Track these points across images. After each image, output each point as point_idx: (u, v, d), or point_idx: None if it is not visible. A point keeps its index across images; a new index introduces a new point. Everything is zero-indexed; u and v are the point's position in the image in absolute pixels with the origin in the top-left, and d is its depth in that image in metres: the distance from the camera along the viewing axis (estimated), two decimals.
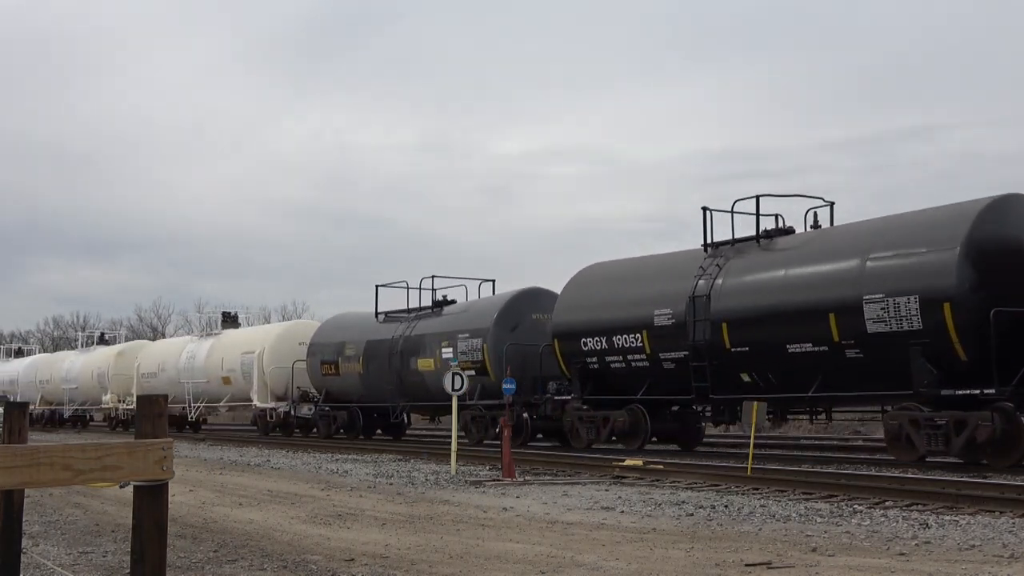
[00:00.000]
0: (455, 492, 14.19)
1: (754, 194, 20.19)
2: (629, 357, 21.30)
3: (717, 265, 19.89)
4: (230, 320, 41.13)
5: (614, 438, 21.72)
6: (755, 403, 15.77)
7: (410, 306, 29.11)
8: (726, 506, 11.78)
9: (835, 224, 19.72)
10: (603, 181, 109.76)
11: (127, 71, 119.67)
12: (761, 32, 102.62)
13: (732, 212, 20.39)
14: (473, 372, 24.46)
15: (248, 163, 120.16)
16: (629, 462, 16.67)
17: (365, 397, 29.92)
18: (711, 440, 26.27)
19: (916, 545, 8.70)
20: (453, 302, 28.27)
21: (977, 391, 15.53)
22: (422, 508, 12.28)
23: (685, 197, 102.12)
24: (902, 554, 8.26)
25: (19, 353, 64.06)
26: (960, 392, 15.69)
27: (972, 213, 16.17)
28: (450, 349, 24.89)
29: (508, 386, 21.02)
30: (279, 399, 33.49)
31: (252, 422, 36.74)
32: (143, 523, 3.85)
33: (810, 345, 17.67)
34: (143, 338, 65.59)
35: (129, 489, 3.92)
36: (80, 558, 8.89)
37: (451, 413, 18.76)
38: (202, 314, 43.22)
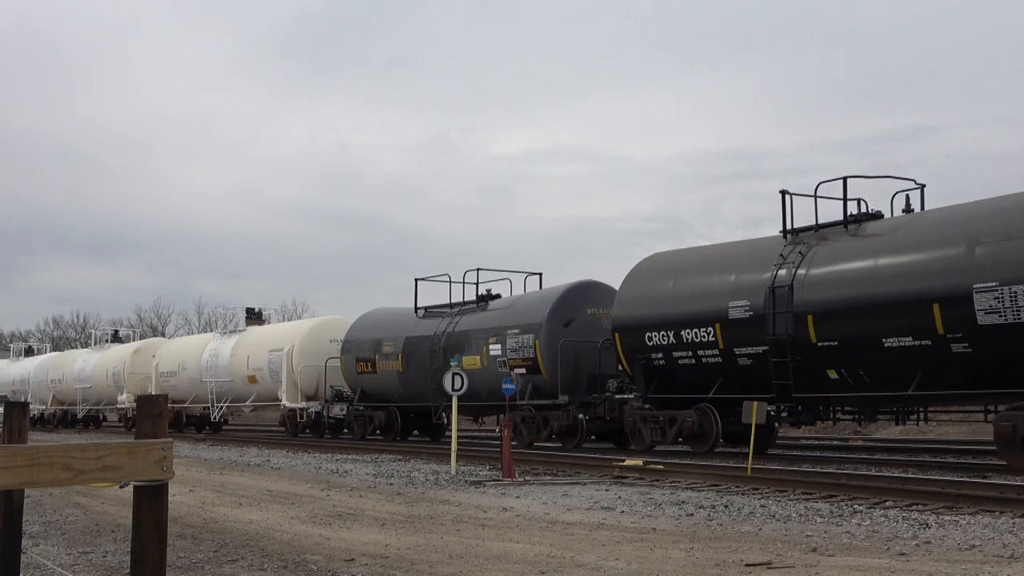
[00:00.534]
0: (455, 492, 14.18)
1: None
2: (699, 353, 19.84)
3: (799, 253, 18.39)
4: (254, 317, 39.43)
5: (680, 440, 20.37)
6: (755, 403, 15.77)
7: (452, 300, 27.69)
8: (726, 506, 11.78)
9: (926, 208, 18.32)
10: (603, 181, 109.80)
11: (128, 71, 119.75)
12: (761, 32, 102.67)
13: (816, 196, 18.82)
14: (524, 370, 23.65)
15: (248, 163, 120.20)
16: (629, 462, 16.67)
17: (404, 396, 28.47)
18: (784, 442, 24.38)
19: (916, 545, 8.70)
20: (498, 296, 26.86)
21: None
22: (422, 508, 12.28)
23: (685, 197, 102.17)
24: (902, 554, 8.26)
25: (29, 352, 62.62)
26: None
27: None
28: (498, 346, 24.20)
29: (508, 386, 21.02)
30: (309, 399, 32.09)
31: (280, 423, 35.33)
32: (143, 523, 3.85)
33: (910, 339, 16.26)
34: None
35: (129, 489, 3.92)
36: (80, 558, 8.89)
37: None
38: (225, 310, 41.78)
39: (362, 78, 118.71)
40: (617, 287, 23.20)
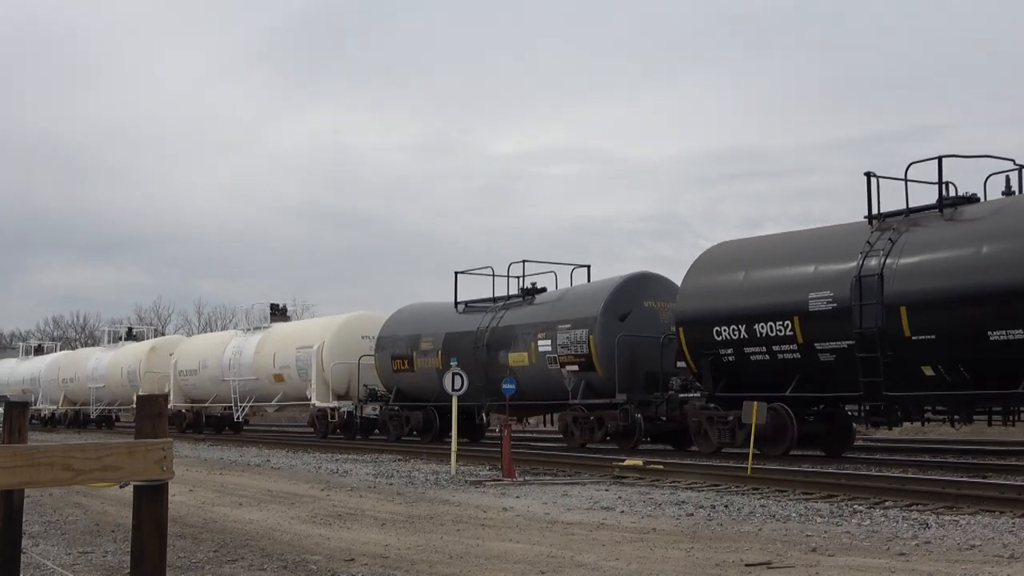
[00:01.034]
0: (455, 492, 14.18)
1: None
2: (775, 348, 18.50)
3: (889, 239, 17.16)
4: (279, 313, 37.72)
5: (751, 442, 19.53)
6: (755, 403, 15.77)
7: (495, 295, 26.44)
8: (726, 506, 11.78)
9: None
10: (603, 181, 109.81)
11: (127, 71, 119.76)
12: (761, 32, 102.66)
13: (906, 180, 17.58)
14: (576, 367, 22.47)
15: (248, 163, 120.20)
16: (629, 462, 16.66)
17: (444, 395, 27.45)
18: (864, 443, 22.99)
19: (916, 545, 8.70)
20: (543, 290, 25.63)
21: None
22: (422, 508, 12.28)
23: (684, 197, 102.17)
24: (902, 554, 8.26)
25: (39, 351, 60.58)
26: None
27: None
28: (548, 341, 23.08)
29: (508, 386, 20.99)
30: (340, 398, 30.67)
31: (309, 423, 33.90)
32: (143, 523, 3.85)
33: (1020, 332, 15.12)
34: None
35: (129, 489, 3.92)
36: (80, 558, 8.89)
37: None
38: (250, 308, 39.78)
39: (362, 78, 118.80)
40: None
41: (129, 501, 4.00)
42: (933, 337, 16.27)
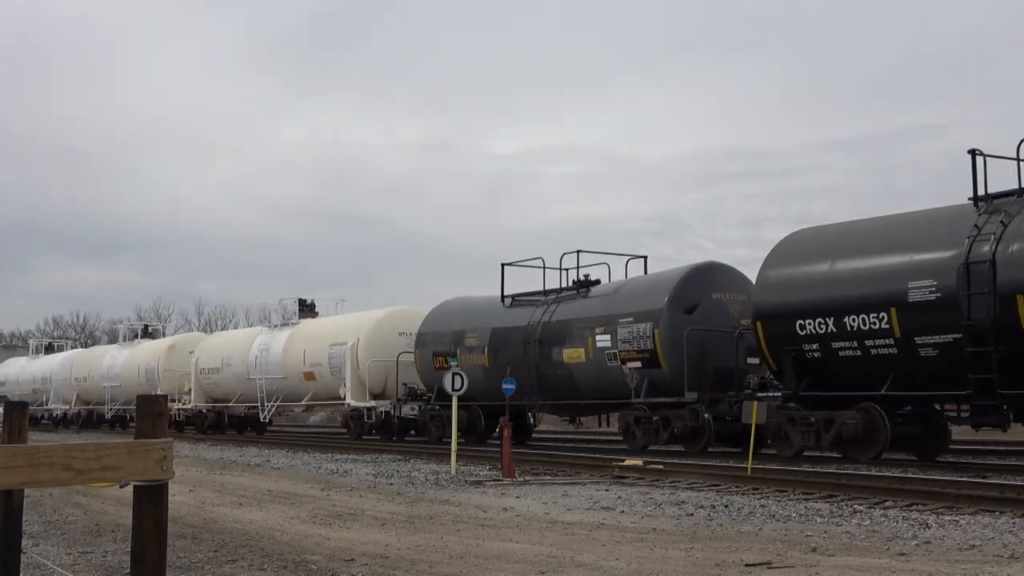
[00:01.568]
0: (455, 492, 14.18)
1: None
2: (867, 342, 17.10)
3: (1000, 223, 15.85)
4: (307, 309, 35.66)
5: (838, 445, 17.70)
6: (755, 402, 15.77)
7: (545, 287, 24.97)
8: (726, 506, 11.78)
9: None
10: (603, 181, 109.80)
11: (127, 71, 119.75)
12: (761, 32, 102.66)
13: (1018, 159, 16.36)
14: (639, 364, 21.13)
15: (248, 163, 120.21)
16: (629, 462, 16.67)
17: (491, 394, 24.77)
18: (959, 446, 21.24)
19: (916, 545, 8.70)
20: (597, 282, 24.10)
21: None
22: (422, 508, 12.28)
23: (685, 197, 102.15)
24: (902, 554, 8.26)
25: (49, 349, 58.77)
26: None
27: None
28: (607, 336, 21.71)
29: (508, 386, 20.94)
30: (376, 397, 29.07)
31: (342, 423, 32.51)
32: (143, 523, 3.84)
33: None
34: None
35: (129, 489, 3.92)
36: (80, 558, 8.89)
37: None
38: (274, 303, 36.84)
39: (361, 77, 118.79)
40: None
41: (129, 501, 4.00)
42: None
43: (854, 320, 17.31)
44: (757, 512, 11.16)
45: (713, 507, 11.70)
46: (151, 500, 3.86)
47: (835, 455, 18.19)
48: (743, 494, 13.16)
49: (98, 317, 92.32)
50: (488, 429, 26.13)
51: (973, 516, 10.50)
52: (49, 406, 50.90)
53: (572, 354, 22.80)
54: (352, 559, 8.46)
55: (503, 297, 25.90)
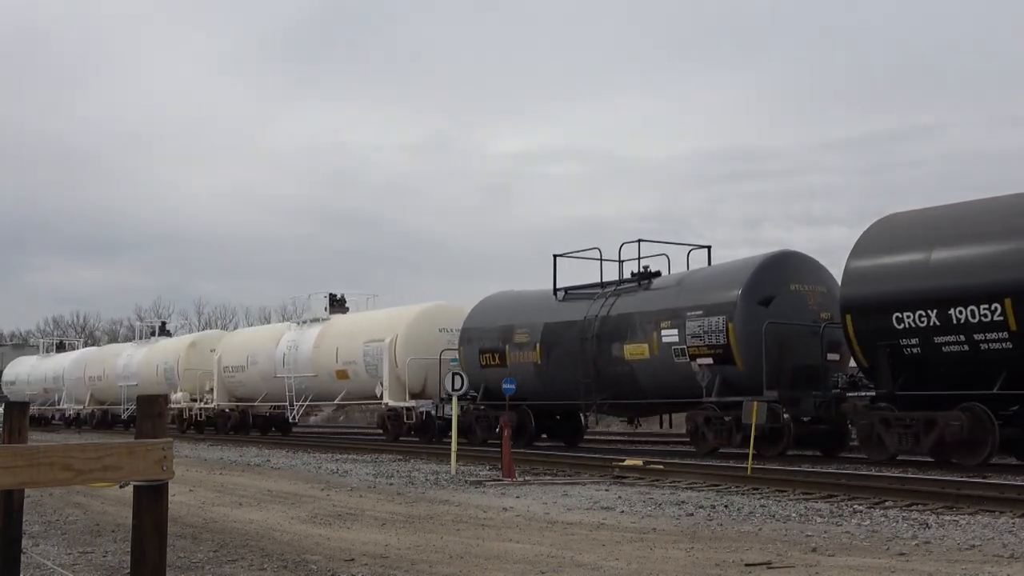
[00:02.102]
0: (455, 492, 14.19)
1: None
2: (976, 336, 15.73)
3: None
4: (337, 304, 33.80)
5: (939, 449, 16.39)
6: (755, 403, 15.76)
7: (602, 279, 23.48)
8: (726, 506, 11.79)
9: None
10: (603, 181, 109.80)
11: (127, 71, 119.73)
12: (761, 32, 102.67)
13: None
14: (710, 360, 19.76)
15: (248, 163, 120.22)
16: (629, 462, 16.67)
17: (542, 393, 23.85)
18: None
19: (916, 545, 8.70)
20: (657, 273, 22.64)
21: None
22: (422, 508, 12.28)
23: (684, 197, 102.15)
24: (902, 554, 8.27)
25: (60, 347, 56.91)
26: None
27: None
28: (674, 331, 20.37)
29: (508, 386, 20.91)
30: (415, 396, 27.53)
31: (379, 424, 30.91)
32: (143, 523, 3.85)
33: None
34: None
35: (129, 489, 3.92)
36: (80, 558, 8.89)
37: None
38: (302, 298, 34.93)
39: (361, 77, 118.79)
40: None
41: (129, 501, 4.00)
42: None
43: (961, 312, 15.92)
44: (757, 512, 11.16)
45: (713, 507, 11.70)
46: (151, 500, 3.86)
47: (931, 459, 17.05)
48: (743, 494, 13.16)
49: (98, 317, 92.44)
50: (539, 430, 24.80)
51: (973, 516, 10.50)
52: (61, 406, 49.53)
53: (634, 350, 21.30)
54: (352, 559, 8.46)
55: (555, 290, 24.33)
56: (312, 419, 42.79)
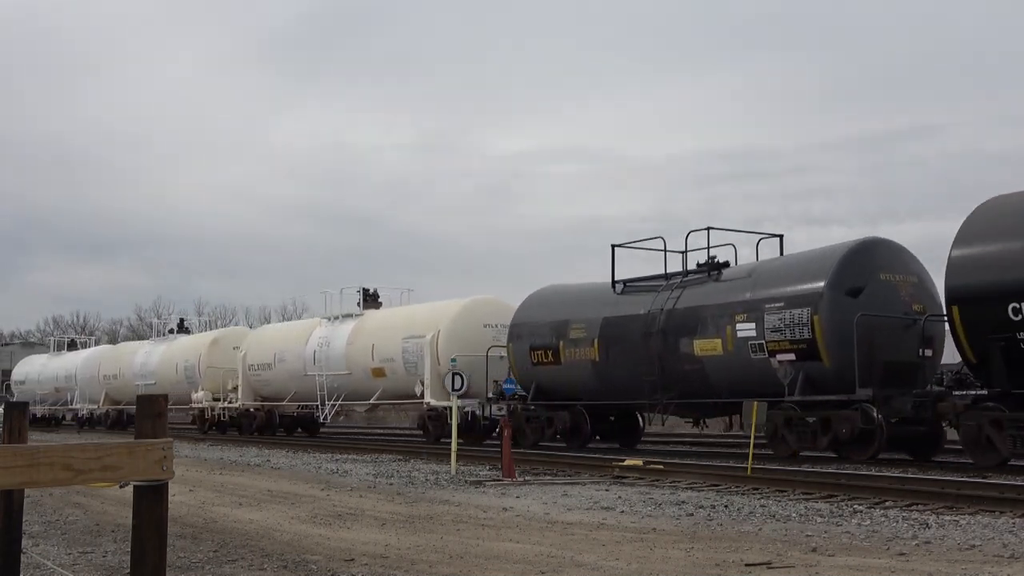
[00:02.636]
0: (455, 492, 14.19)
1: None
2: None
3: None
4: (370, 299, 32.34)
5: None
6: (755, 403, 15.76)
7: (667, 271, 22.11)
8: (726, 506, 11.79)
9: None
10: (602, 181, 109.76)
11: (126, 71, 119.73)
12: (761, 32, 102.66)
13: None
14: (792, 356, 18.32)
15: (247, 162, 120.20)
16: (629, 462, 16.66)
17: (600, 392, 22.59)
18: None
19: (916, 545, 8.70)
20: (726, 264, 21.24)
21: None
22: (422, 508, 12.28)
23: (684, 197, 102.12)
24: (902, 554, 8.27)
25: (72, 345, 55.37)
26: None
27: None
28: (751, 325, 18.96)
29: (508, 386, 20.88)
30: (459, 395, 27.65)
31: (418, 425, 29.56)
32: (143, 523, 3.85)
33: None
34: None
35: (129, 489, 3.92)
36: (80, 558, 8.89)
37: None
38: (333, 293, 32.42)
39: (361, 77, 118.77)
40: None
41: (129, 501, 4.00)
42: None
43: None
44: (757, 512, 11.16)
45: (713, 507, 11.70)
46: (151, 500, 3.86)
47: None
48: (743, 494, 13.16)
49: (98, 317, 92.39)
50: (595, 432, 23.47)
51: (973, 516, 10.50)
52: (74, 406, 48.19)
53: (705, 345, 19.90)
54: (352, 559, 8.46)
55: (614, 282, 22.93)
56: (339, 419, 41.42)
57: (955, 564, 7.71)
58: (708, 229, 21.23)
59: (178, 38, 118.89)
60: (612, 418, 24.01)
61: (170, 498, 4.12)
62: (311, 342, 31.87)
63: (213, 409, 36.81)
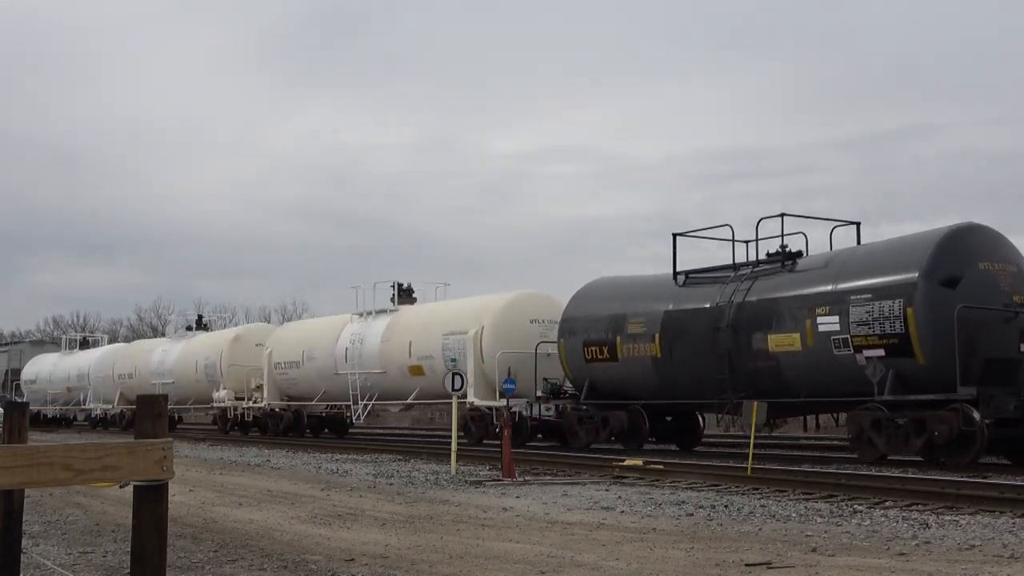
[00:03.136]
0: (455, 492, 14.19)
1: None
2: None
3: None
4: (404, 294, 30.94)
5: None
6: (755, 403, 15.76)
7: (735, 261, 20.70)
8: (726, 506, 11.79)
9: None
10: (602, 181, 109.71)
11: (126, 70, 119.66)
12: (761, 31, 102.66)
13: None
14: (881, 351, 16.87)
15: (247, 162, 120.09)
16: (629, 462, 16.67)
17: (661, 391, 21.24)
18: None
19: (916, 545, 8.70)
20: (798, 254, 19.84)
21: None
22: (422, 508, 12.28)
23: (684, 197, 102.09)
24: (902, 554, 8.27)
25: (84, 344, 53.98)
26: None
27: None
28: (834, 318, 17.60)
29: (508, 386, 20.86)
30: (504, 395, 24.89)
31: (460, 426, 28.37)
32: (143, 523, 3.85)
33: None
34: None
35: (129, 489, 3.93)
36: (80, 558, 8.90)
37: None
38: (365, 288, 30.77)
39: (361, 76, 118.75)
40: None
41: (129, 501, 4.00)
42: None
43: None
44: (757, 512, 11.16)
45: (713, 507, 11.71)
46: (151, 500, 3.86)
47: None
48: (743, 494, 13.17)
49: (98, 317, 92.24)
50: (653, 432, 22.08)
51: (973, 516, 10.51)
52: (87, 406, 46.80)
53: (781, 340, 18.48)
54: (352, 559, 8.46)
55: (675, 274, 21.60)
56: (372, 420, 38.32)
57: (955, 564, 7.71)
58: (782, 216, 19.91)
59: (179, 38, 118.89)
60: (668, 418, 22.77)
61: (170, 498, 4.12)
62: (342, 339, 30.50)
63: (236, 409, 35.47)
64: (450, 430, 18.95)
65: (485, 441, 24.65)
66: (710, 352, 19.69)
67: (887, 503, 11.69)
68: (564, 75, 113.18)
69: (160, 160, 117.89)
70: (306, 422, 33.04)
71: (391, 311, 29.71)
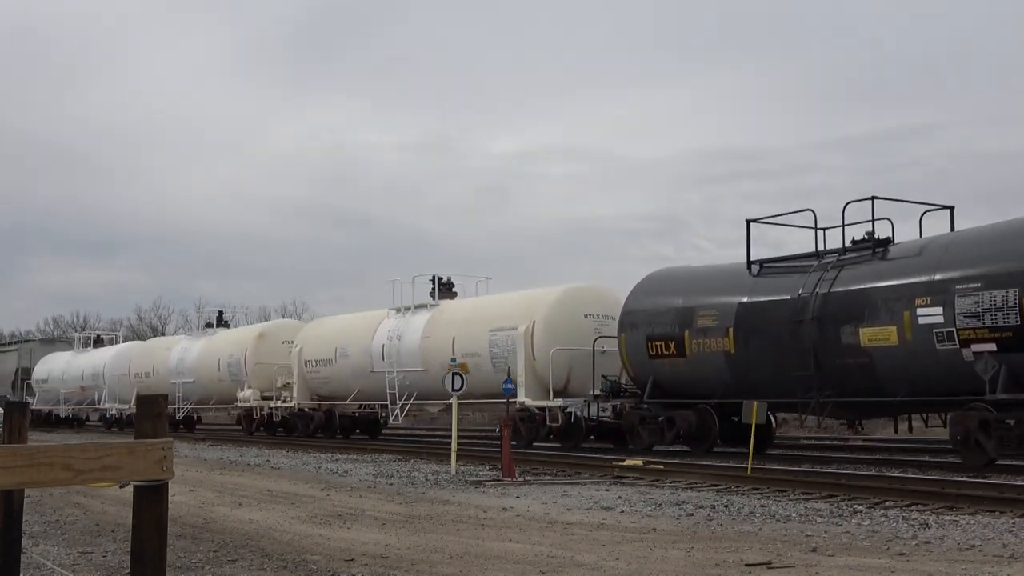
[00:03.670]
0: (455, 492, 14.19)
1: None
2: None
3: None
4: (445, 288, 29.40)
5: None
6: (755, 402, 15.76)
7: (818, 248, 19.15)
8: (726, 506, 11.79)
9: None
10: (602, 181, 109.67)
11: (126, 71, 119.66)
12: (761, 31, 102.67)
13: None
14: (992, 346, 15.33)
15: (247, 162, 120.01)
16: (629, 462, 16.67)
17: (735, 390, 19.34)
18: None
19: (916, 545, 8.71)
20: (888, 240, 18.27)
21: None
22: (422, 508, 12.29)
23: (684, 197, 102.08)
24: (902, 554, 8.27)
25: (98, 342, 52.59)
26: None
27: None
28: (936, 309, 16.03)
29: (508, 386, 20.85)
30: (558, 394, 23.22)
31: (511, 426, 25.29)
32: (143, 523, 3.85)
33: None
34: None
35: (129, 489, 3.93)
36: (80, 558, 8.90)
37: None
38: (403, 281, 29.21)
39: (361, 77, 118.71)
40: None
41: (129, 501, 4.00)
42: None
43: None
44: (757, 512, 11.16)
45: (713, 507, 11.71)
46: (151, 500, 3.86)
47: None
48: (743, 494, 13.17)
49: (98, 317, 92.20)
50: (722, 433, 20.34)
51: (973, 516, 10.51)
52: (102, 405, 45.21)
53: (875, 334, 16.95)
54: (352, 559, 8.46)
55: (749, 263, 20.00)
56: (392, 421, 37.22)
57: (955, 564, 7.71)
58: (872, 199, 18.25)
59: (179, 38, 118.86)
60: (736, 419, 19.42)
61: (170, 498, 4.12)
62: (378, 335, 28.73)
63: (263, 408, 33.77)
64: (497, 432, 18.47)
65: (535, 444, 23.40)
66: (791, 347, 18.14)
67: (887, 503, 11.69)
68: (564, 75, 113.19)
69: (161, 160, 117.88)
70: (338, 422, 31.50)
71: (431, 306, 28.09)
